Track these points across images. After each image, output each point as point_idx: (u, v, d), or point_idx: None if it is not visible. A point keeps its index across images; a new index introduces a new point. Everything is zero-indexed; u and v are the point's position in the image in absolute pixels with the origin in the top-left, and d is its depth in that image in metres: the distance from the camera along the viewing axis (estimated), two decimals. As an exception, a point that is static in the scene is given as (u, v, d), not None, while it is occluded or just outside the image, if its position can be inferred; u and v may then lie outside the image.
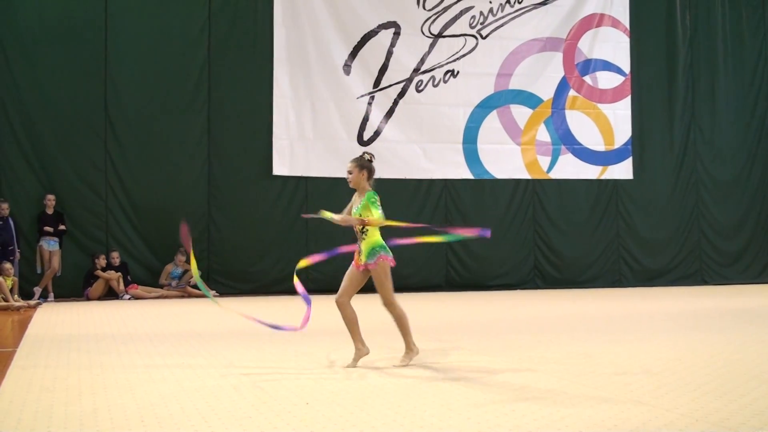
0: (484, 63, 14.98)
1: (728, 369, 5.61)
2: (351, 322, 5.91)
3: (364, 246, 5.85)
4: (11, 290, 11.50)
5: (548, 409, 4.31)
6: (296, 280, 6.03)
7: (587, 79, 15.50)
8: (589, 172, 15.48)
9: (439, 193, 14.85)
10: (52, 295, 12.61)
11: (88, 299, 12.79)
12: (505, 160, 15.07)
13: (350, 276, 5.93)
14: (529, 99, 15.19)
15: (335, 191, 13.00)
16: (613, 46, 15.64)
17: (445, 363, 6.07)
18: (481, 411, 4.28)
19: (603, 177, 15.55)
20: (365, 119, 14.44)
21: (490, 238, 6.08)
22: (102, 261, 12.92)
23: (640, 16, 15.80)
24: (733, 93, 16.28)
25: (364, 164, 5.97)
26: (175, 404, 4.52)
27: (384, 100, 14.56)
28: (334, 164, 13.71)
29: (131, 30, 13.52)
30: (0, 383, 5.23)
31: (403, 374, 5.53)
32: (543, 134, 15.24)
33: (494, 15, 15.08)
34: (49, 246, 12.64)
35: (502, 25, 15.11)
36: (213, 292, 13.52)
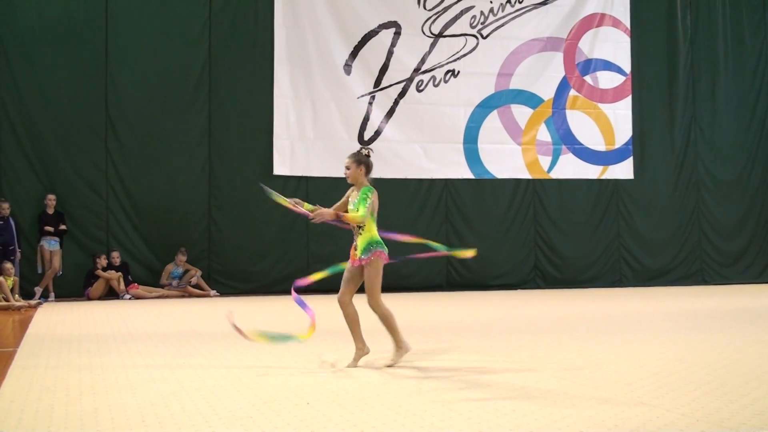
0: (484, 63, 14.99)
1: (729, 369, 5.61)
2: (353, 321, 5.90)
3: (360, 241, 5.85)
4: (12, 290, 11.50)
5: (548, 409, 4.31)
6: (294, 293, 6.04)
7: (588, 78, 15.51)
8: (590, 171, 15.49)
9: (439, 193, 14.86)
10: (52, 294, 12.62)
11: (89, 299, 12.79)
12: (506, 159, 15.08)
13: (349, 273, 5.93)
14: (529, 99, 15.20)
15: (336, 191, 12.89)
16: (614, 46, 15.65)
17: (445, 363, 6.07)
18: (482, 411, 4.28)
19: (603, 177, 15.55)
20: (366, 119, 14.45)
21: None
22: (103, 261, 12.92)
23: (641, 16, 15.81)
24: (734, 93, 16.29)
25: (362, 160, 5.98)
26: (176, 404, 4.52)
27: (384, 99, 14.57)
28: (335, 164, 13.70)
29: (132, 30, 13.53)
30: (1, 383, 5.23)
31: (403, 374, 5.53)
32: (543, 134, 15.25)
33: (495, 15, 15.08)
34: (50, 246, 12.65)
35: (502, 25, 15.11)
36: (213, 291, 13.57)
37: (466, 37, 14.96)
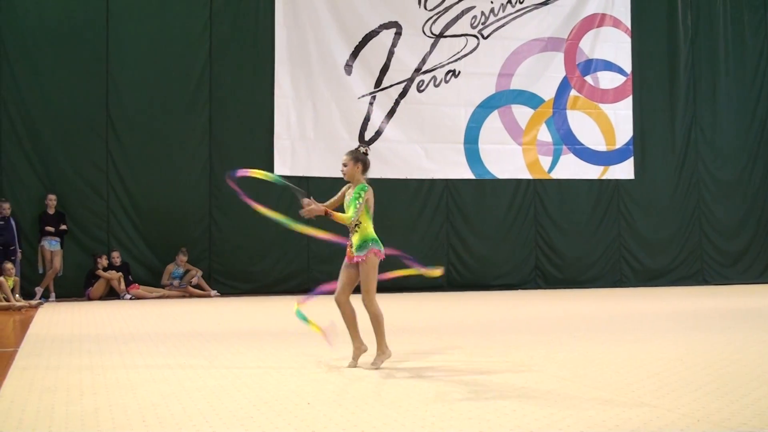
0: (485, 63, 14.98)
1: (729, 369, 5.61)
2: (350, 320, 5.90)
3: (355, 239, 5.85)
4: (13, 290, 11.50)
5: (549, 409, 4.31)
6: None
7: (588, 79, 15.50)
8: (591, 172, 15.48)
9: (440, 193, 14.86)
10: (53, 295, 12.62)
11: (90, 299, 12.79)
12: (507, 160, 15.08)
13: (345, 272, 5.93)
14: (530, 99, 15.20)
15: (337, 191, 12.94)
16: (615, 46, 15.65)
17: (445, 363, 6.08)
18: (482, 411, 4.28)
19: (604, 177, 15.55)
20: (366, 119, 14.45)
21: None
22: (103, 261, 12.92)
23: (642, 16, 15.80)
24: (735, 93, 16.29)
25: (359, 157, 6.00)
26: (177, 404, 4.52)
27: (385, 100, 14.57)
28: (336, 164, 13.51)
29: (132, 30, 13.53)
30: (1, 383, 5.24)
31: (403, 374, 5.53)
32: (544, 134, 15.25)
33: (495, 15, 15.08)
34: (51, 246, 12.64)
35: (503, 25, 15.11)
36: (214, 291, 13.57)
37: (467, 37, 14.95)
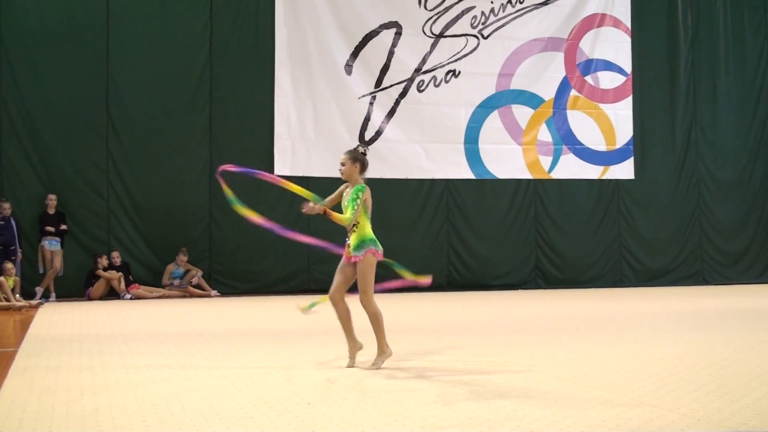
0: (485, 63, 14.98)
1: (730, 369, 5.61)
2: (344, 318, 5.90)
3: (353, 239, 5.85)
4: (13, 290, 11.50)
5: (549, 409, 4.31)
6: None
7: (589, 79, 15.50)
8: (591, 172, 15.48)
9: (440, 193, 14.86)
10: (53, 294, 12.62)
11: (90, 299, 12.79)
12: (507, 160, 15.08)
13: (342, 270, 5.93)
14: (530, 99, 15.20)
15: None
16: (615, 46, 15.64)
17: (445, 363, 6.08)
18: (482, 411, 4.28)
19: (604, 177, 15.55)
20: (367, 119, 14.45)
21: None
22: (103, 261, 12.92)
23: (642, 16, 15.80)
24: (735, 93, 16.28)
25: (358, 157, 6.00)
26: (177, 404, 4.52)
27: (385, 100, 14.57)
28: (336, 164, 13.55)
29: (132, 30, 13.53)
30: (1, 383, 5.24)
31: (403, 374, 5.53)
32: (544, 134, 15.25)
33: (495, 15, 15.08)
34: (51, 246, 12.65)
35: (503, 25, 15.11)
36: (214, 291, 13.57)
37: (467, 37, 14.95)
